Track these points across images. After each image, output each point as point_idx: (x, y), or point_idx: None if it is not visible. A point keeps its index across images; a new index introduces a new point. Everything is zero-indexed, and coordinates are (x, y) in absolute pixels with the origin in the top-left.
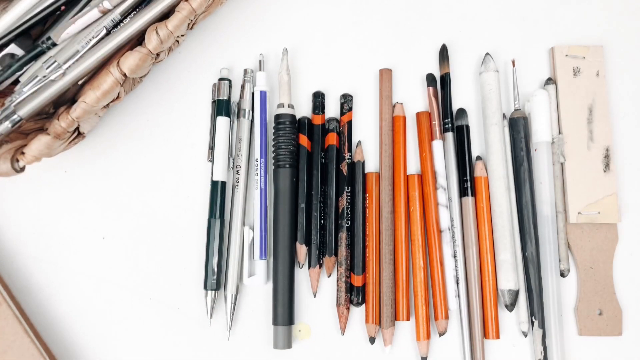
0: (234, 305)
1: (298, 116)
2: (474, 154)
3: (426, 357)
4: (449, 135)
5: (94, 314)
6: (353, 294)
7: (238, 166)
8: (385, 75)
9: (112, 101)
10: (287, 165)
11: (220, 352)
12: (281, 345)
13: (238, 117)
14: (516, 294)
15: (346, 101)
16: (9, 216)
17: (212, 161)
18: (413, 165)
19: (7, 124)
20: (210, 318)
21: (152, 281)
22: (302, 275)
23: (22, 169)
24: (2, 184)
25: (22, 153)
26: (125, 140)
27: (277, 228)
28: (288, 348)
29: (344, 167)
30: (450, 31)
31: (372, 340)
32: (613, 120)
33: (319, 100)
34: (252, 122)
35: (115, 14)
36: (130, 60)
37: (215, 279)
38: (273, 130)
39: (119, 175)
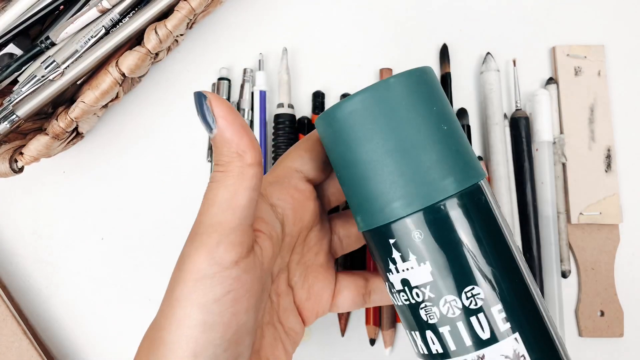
0: None
1: (298, 116)
2: (475, 154)
3: None
4: None
5: (93, 315)
6: None
7: None
8: (386, 75)
9: (110, 101)
10: None
11: None
12: None
13: None
14: None
15: None
16: (7, 217)
17: (211, 161)
18: None
19: (5, 124)
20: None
21: (151, 282)
22: None
23: (21, 170)
24: (0, 184)
25: (21, 153)
26: (124, 140)
27: None
28: None
29: None
30: (450, 30)
31: (372, 341)
32: (614, 120)
33: (319, 100)
34: (251, 122)
35: (114, 14)
36: (129, 60)
37: None
38: (273, 130)
39: (117, 176)
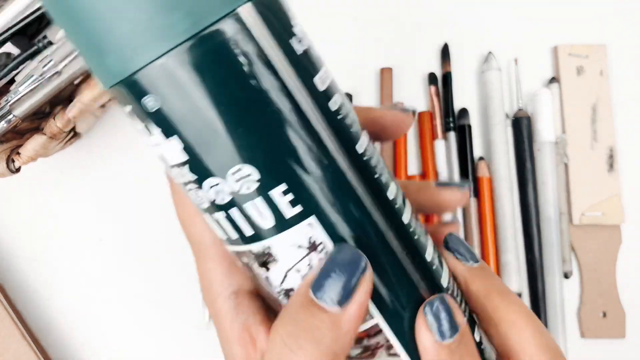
0: None
1: None
2: (476, 154)
3: None
4: (451, 135)
5: (91, 316)
6: None
7: None
8: (386, 74)
9: (108, 101)
10: None
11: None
12: None
13: None
14: (519, 296)
15: None
16: (4, 217)
17: None
18: (414, 166)
19: (2, 124)
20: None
21: (149, 283)
22: None
23: (18, 170)
24: None
25: (18, 153)
26: (122, 140)
27: None
28: None
29: None
30: (452, 30)
31: None
32: (617, 120)
33: None
34: None
35: None
36: None
37: None
38: None
39: (115, 176)
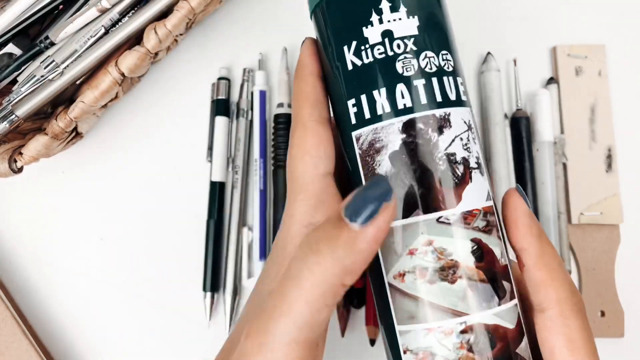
0: (233, 307)
1: None
2: None
3: None
4: None
5: (92, 315)
6: (353, 296)
7: (237, 167)
8: None
9: (110, 101)
10: None
11: None
12: None
13: (237, 116)
14: None
15: None
16: (6, 217)
17: (210, 161)
18: None
19: (4, 124)
20: (209, 320)
21: (151, 282)
22: None
23: (20, 170)
24: None
25: (20, 153)
26: (123, 140)
27: (277, 229)
28: None
29: None
30: None
31: (372, 342)
32: (615, 120)
33: None
34: (251, 121)
35: (114, 13)
36: (128, 60)
37: (214, 281)
38: (272, 130)
39: (117, 176)
